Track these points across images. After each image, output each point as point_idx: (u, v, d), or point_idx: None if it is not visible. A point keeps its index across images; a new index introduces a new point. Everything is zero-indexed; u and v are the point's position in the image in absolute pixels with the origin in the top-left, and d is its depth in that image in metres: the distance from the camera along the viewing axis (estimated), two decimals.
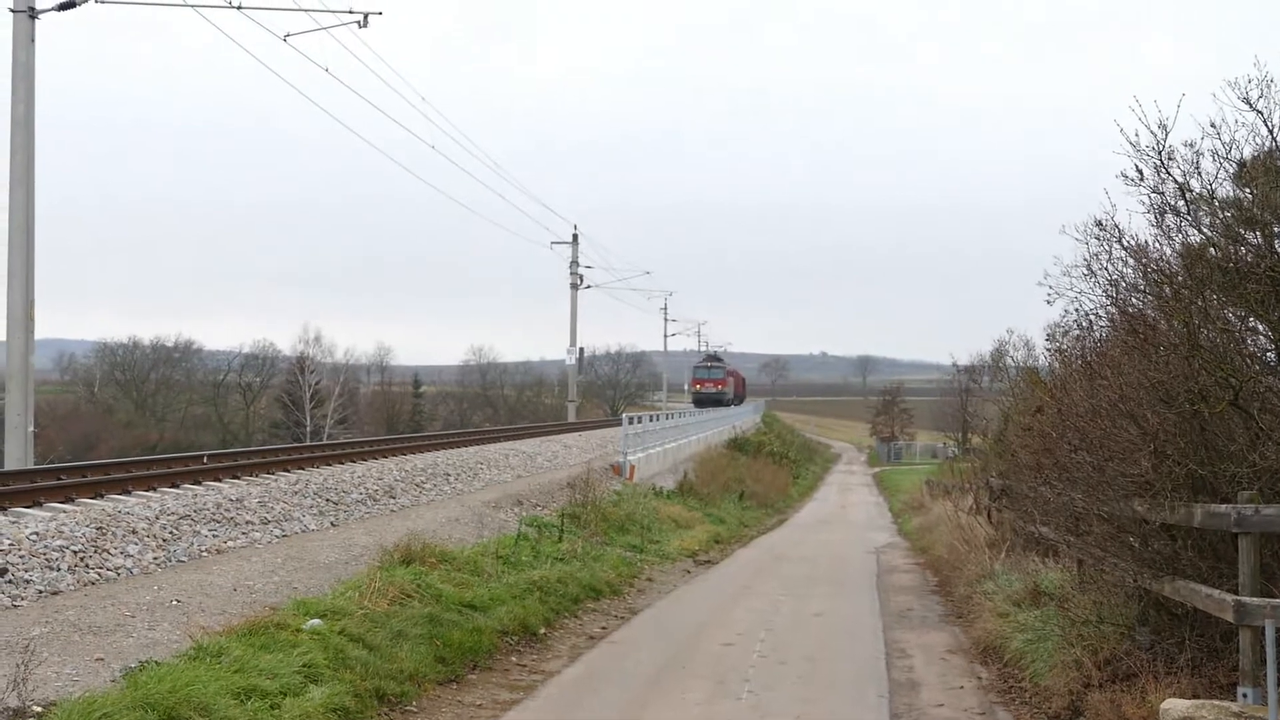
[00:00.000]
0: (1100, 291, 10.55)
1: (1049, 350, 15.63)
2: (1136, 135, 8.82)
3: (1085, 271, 10.45)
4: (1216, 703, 6.95)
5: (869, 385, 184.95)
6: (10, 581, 10.25)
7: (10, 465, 18.72)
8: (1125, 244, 9.66)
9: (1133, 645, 8.69)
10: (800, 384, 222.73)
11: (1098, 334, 11.43)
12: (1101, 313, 10.98)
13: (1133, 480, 8.49)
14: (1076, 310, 11.44)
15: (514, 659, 10.95)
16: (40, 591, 10.37)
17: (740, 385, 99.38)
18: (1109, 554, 9.11)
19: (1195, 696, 7.35)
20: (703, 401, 78.72)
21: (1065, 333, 13.47)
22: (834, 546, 25.60)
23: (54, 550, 11.24)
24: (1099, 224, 9.91)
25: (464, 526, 17.03)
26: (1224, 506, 7.35)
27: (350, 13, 21.80)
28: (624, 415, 31.85)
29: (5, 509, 12.95)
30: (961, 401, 54.95)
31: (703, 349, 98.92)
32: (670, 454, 35.85)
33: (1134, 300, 9.76)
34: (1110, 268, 10.04)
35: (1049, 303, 11.34)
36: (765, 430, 72.93)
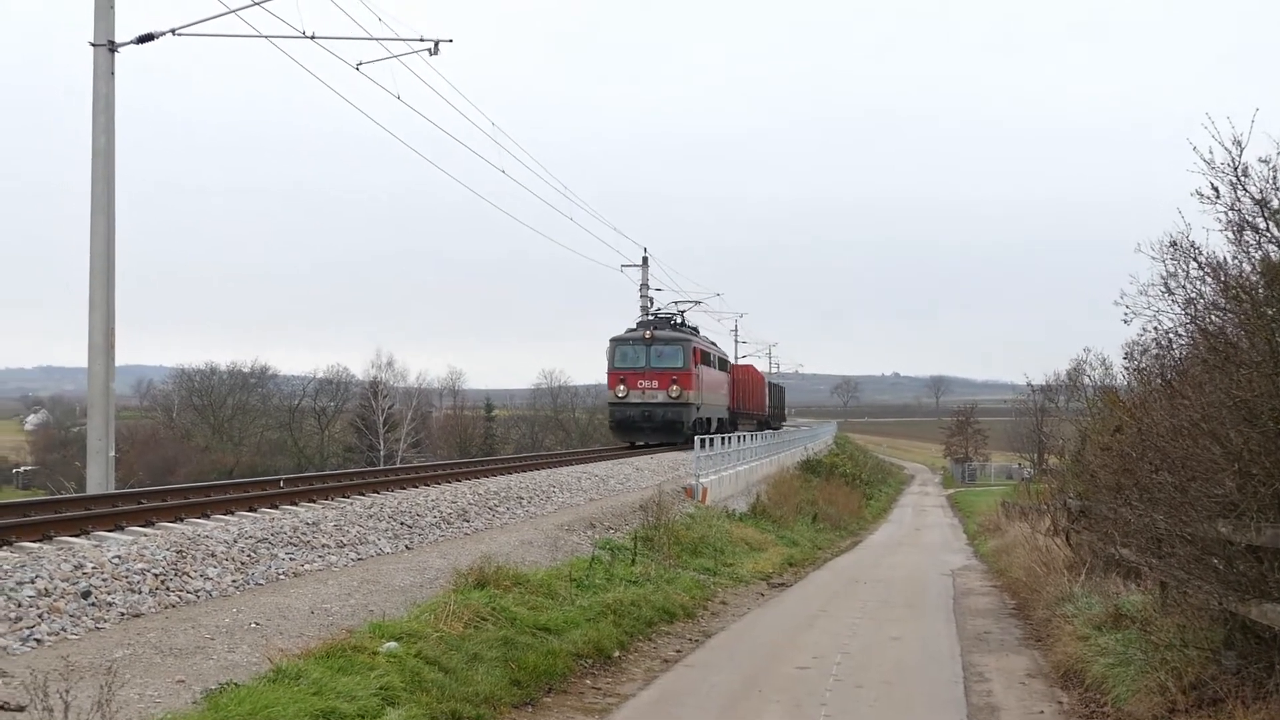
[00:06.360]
0: (1178, 309, 10.38)
1: (1127, 369, 15.39)
2: (1210, 152, 8.71)
3: (1162, 290, 10.29)
4: None
5: (942, 405, 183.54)
6: (94, 604, 10.42)
7: (92, 489, 19.05)
8: (1201, 261, 9.51)
9: (1219, 669, 8.51)
10: (872, 405, 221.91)
11: (1177, 352, 11.24)
12: (1180, 331, 10.80)
13: (1217, 501, 8.33)
14: (1155, 329, 11.24)
15: (588, 682, 10.93)
16: (122, 614, 10.53)
17: (758, 394, 62.45)
18: (1192, 576, 8.93)
19: None
20: (628, 425, 41.31)
21: (1144, 351, 13.25)
22: (909, 569, 25.36)
23: (135, 573, 11.41)
24: (1173, 243, 9.77)
25: (537, 549, 17.06)
26: None
27: (421, 40, 22.03)
28: (695, 437, 31.61)
29: (88, 533, 13.17)
30: (1037, 421, 54.35)
31: (774, 368, 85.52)
32: (742, 476, 35.72)
33: (1213, 318, 9.59)
34: (1188, 285, 9.89)
35: (1126, 322, 11.12)
36: (838, 452, 72.44)
